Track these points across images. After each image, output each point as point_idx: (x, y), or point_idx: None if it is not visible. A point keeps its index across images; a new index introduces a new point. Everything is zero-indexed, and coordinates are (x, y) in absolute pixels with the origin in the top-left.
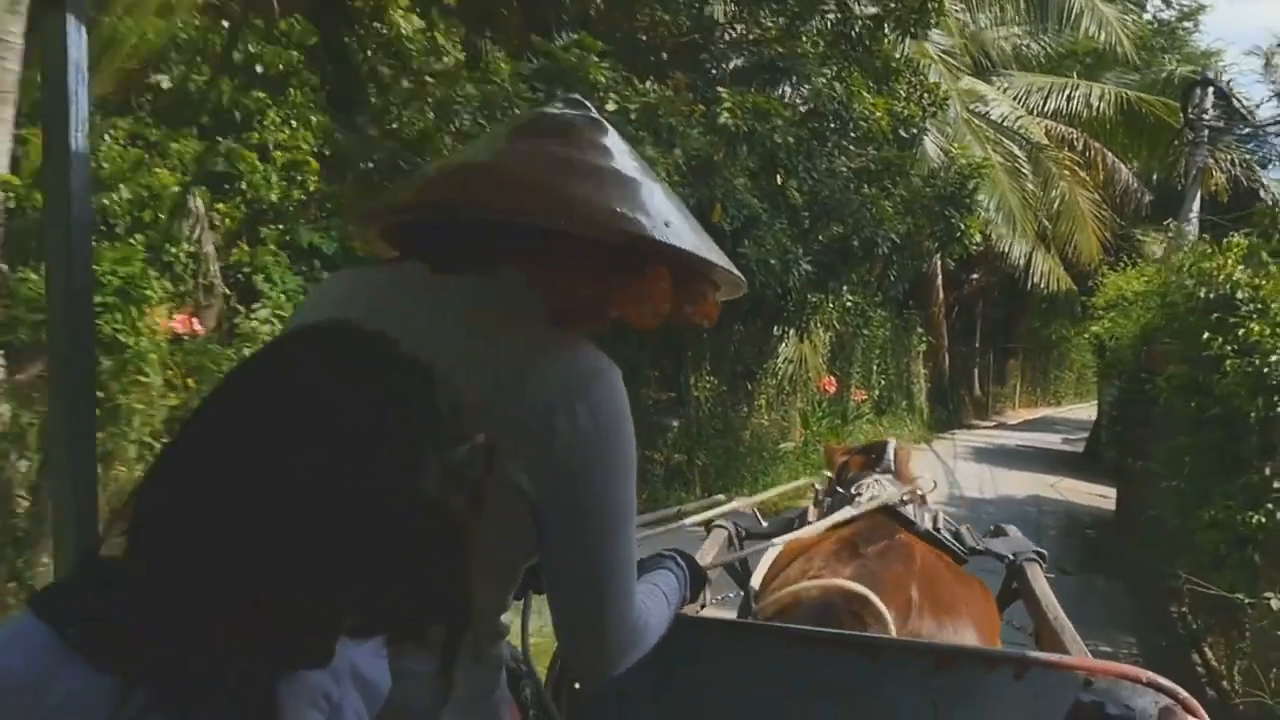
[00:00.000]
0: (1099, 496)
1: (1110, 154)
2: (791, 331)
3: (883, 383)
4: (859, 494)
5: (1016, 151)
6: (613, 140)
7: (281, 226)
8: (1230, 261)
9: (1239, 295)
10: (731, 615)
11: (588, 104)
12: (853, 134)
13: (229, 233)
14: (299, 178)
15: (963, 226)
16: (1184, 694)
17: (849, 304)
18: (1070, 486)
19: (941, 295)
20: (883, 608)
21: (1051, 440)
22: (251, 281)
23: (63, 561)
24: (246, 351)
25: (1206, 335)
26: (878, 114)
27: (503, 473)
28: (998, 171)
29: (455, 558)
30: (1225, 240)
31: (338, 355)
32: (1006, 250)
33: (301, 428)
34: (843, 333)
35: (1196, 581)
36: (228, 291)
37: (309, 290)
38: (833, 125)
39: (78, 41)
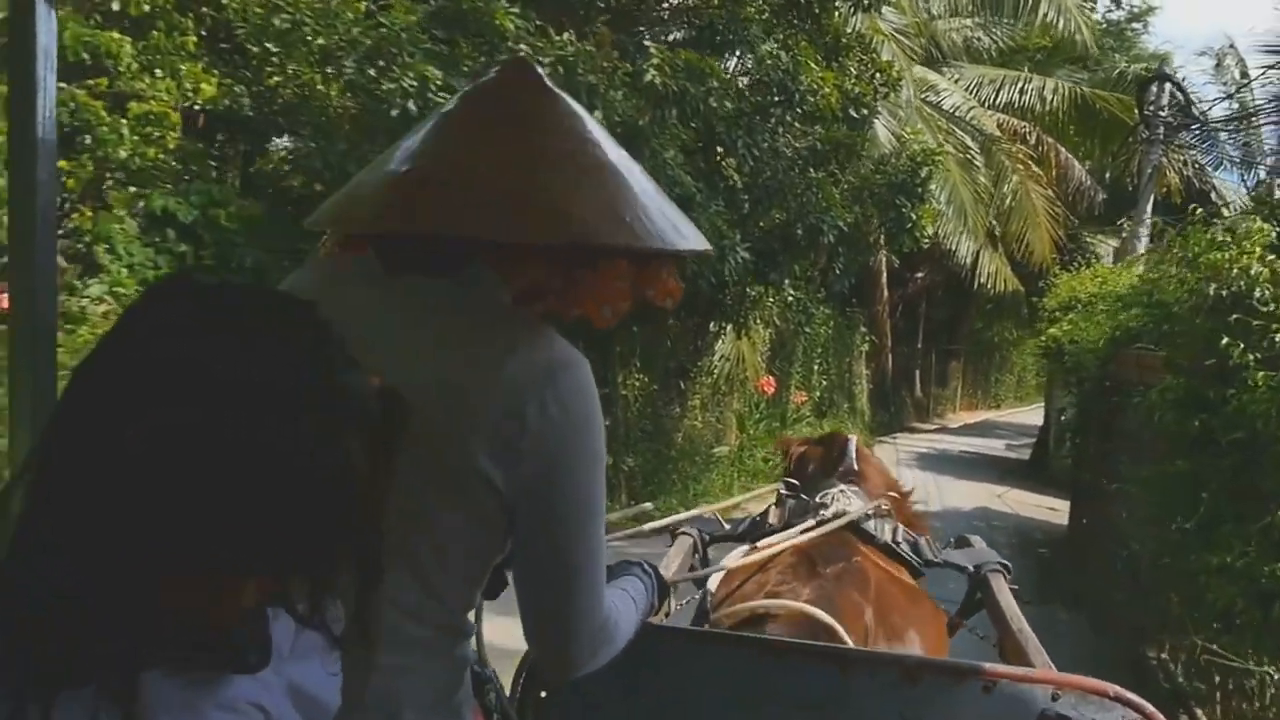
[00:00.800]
0: (1048, 510)
1: (1063, 150)
2: (729, 327)
3: (824, 383)
4: (823, 503)
5: (969, 143)
6: (574, 114)
7: (134, 189)
8: (1249, 252)
9: (1258, 294)
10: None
11: (536, 68)
12: (799, 109)
13: (70, 195)
14: (157, 134)
15: (914, 217)
16: (1150, 708)
17: (790, 299)
18: (1018, 498)
19: (886, 293)
20: (845, 634)
21: (995, 446)
22: (93, 253)
23: None
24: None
25: (1225, 341)
26: (826, 89)
27: (472, 465)
28: (950, 163)
29: (346, 503)
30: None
31: (199, 307)
32: (954, 248)
33: (165, 383)
34: (783, 330)
35: (1213, 650)
36: (64, 264)
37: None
38: (777, 98)
39: (48, 27)
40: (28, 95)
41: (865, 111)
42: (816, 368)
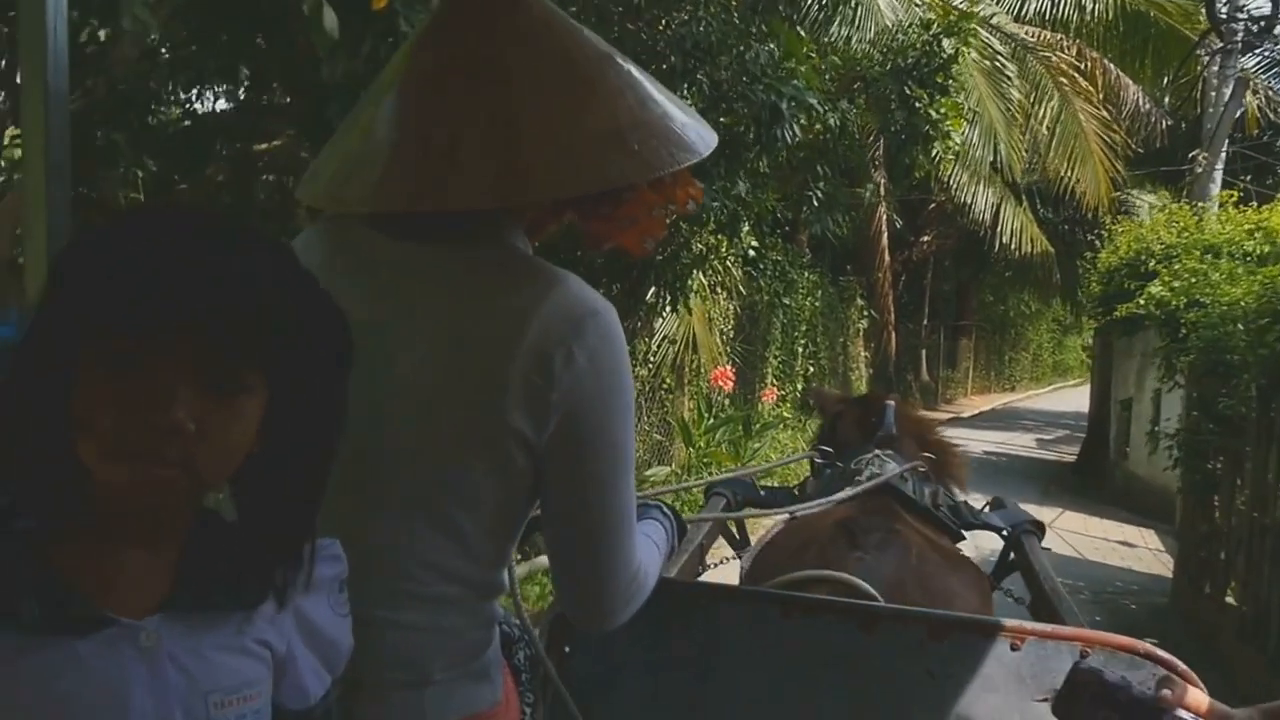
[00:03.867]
0: (1123, 546)
1: (1112, 66)
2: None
3: (810, 369)
4: (858, 470)
5: (997, 46)
6: (549, 18)
7: None
8: None
9: None
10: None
11: None
12: None
13: None
14: None
15: (933, 115)
16: (1182, 666)
17: (752, 252)
18: (1076, 524)
19: (888, 258)
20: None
21: (1023, 442)
22: None
23: None
24: None
25: None
26: None
27: (503, 421)
28: (972, 69)
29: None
30: None
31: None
32: (969, 200)
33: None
34: (755, 302)
35: None
36: None
37: None
38: None
39: None
40: (39, 47)
41: None
42: (801, 350)
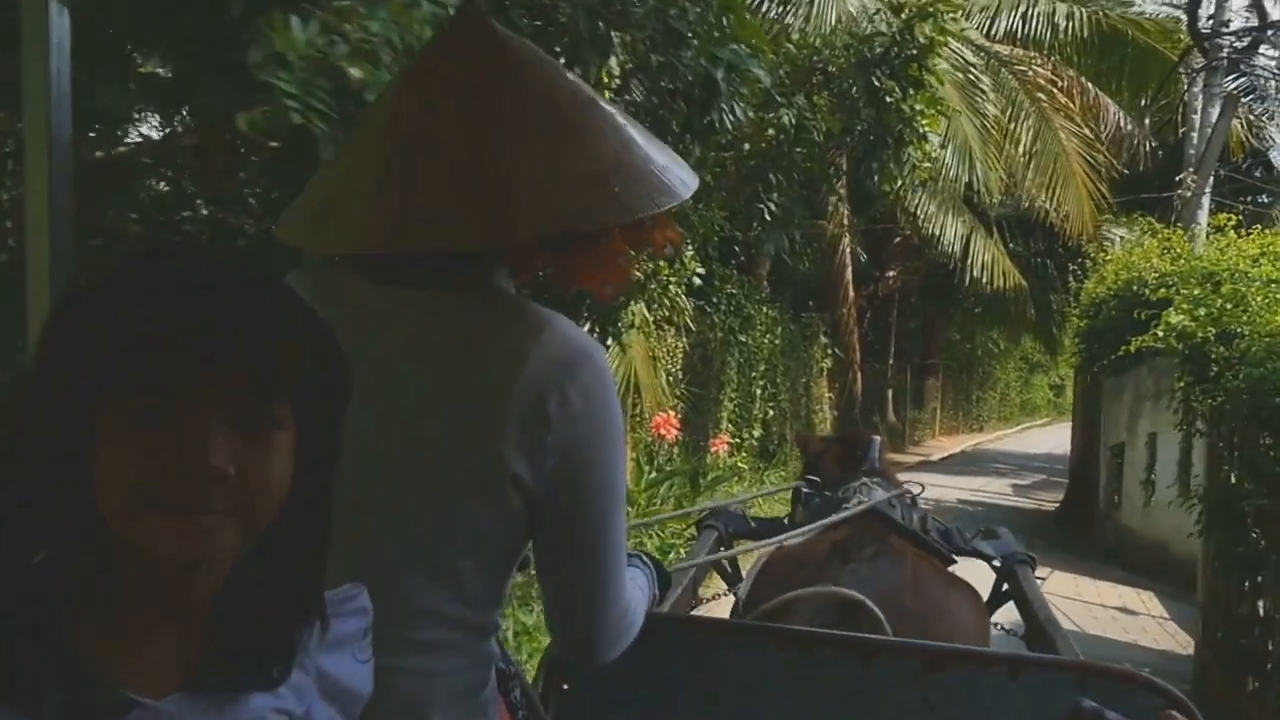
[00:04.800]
0: (1123, 614)
1: (1090, 86)
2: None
3: (770, 413)
4: (845, 498)
5: (969, 56)
6: (536, 64)
7: None
8: None
9: None
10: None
11: (486, 20)
12: None
13: None
14: None
15: (907, 111)
16: (1178, 694)
17: (699, 280)
18: (1067, 587)
19: (852, 294)
20: (881, 615)
21: (998, 488)
22: None
23: None
24: None
25: None
26: None
27: (499, 465)
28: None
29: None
30: None
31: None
32: (938, 233)
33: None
34: (708, 339)
35: None
36: None
37: None
38: None
39: (60, 23)
40: (42, 92)
41: None
42: (759, 392)
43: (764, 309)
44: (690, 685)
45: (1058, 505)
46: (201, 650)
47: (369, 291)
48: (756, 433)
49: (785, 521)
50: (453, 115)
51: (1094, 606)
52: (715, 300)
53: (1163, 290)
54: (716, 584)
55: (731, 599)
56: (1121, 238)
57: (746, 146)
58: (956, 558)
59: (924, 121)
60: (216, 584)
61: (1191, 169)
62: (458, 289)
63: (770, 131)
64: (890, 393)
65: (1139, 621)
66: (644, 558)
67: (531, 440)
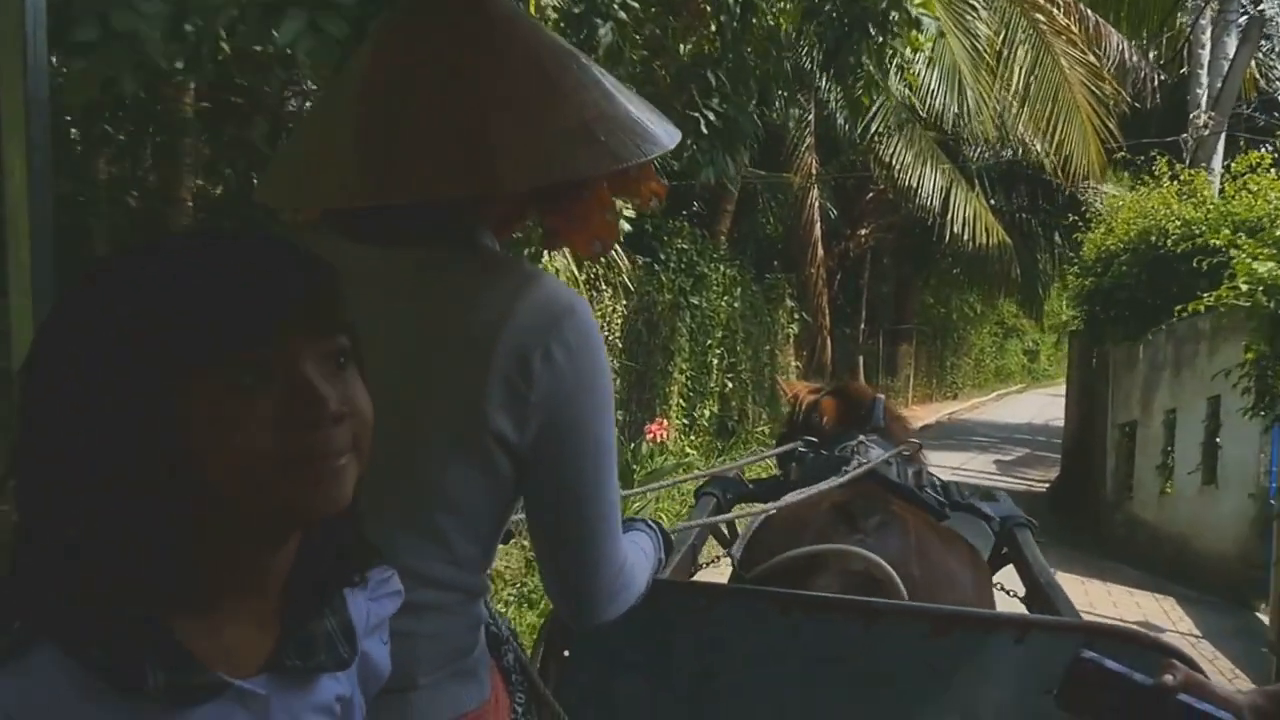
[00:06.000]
0: (1146, 628)
1: (1089, 11)
2: None
3: (729, 385)
4: (844, 457)
5: None
6: (514, 15)
7: None
8: None
9: None
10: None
11: None
12: None
13: None
14: None
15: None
16: (1185, 653)
17: (629, 226)
18: (1077, 595)
19: (820, 252)
20: (901, 586)
21: (980, 465)
22: None
23: None
24: None
25: None
26: None
27: (483, 423)
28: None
29: None
30: None
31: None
32: (915, 185)
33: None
34: (654, 302)
35: None
36: None
37: None
38: None
39: None
40: (16, 56)
41: None
42: (715, 362)
43: (721, 267)
44: (694, 650)
45: (1049, 486)
46: (278, 632)
47: (350, 250)
48: (714, 406)
49: (780, 478)
50: (431, 70)
51: (1111, 620)
52: (664, 257)
53: (1187, 243)
54: (713, 550)
55: (728, 564)
56: (1109, 194)
57: (682, 47)
58: (950, 513)
59: (914, 2)
60: (289, 562)
61: (1203, 107)
62: (439, 246)
63: (711, 26)
64: (862, 359)
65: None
66: (647, 522)
67: (516, 398)
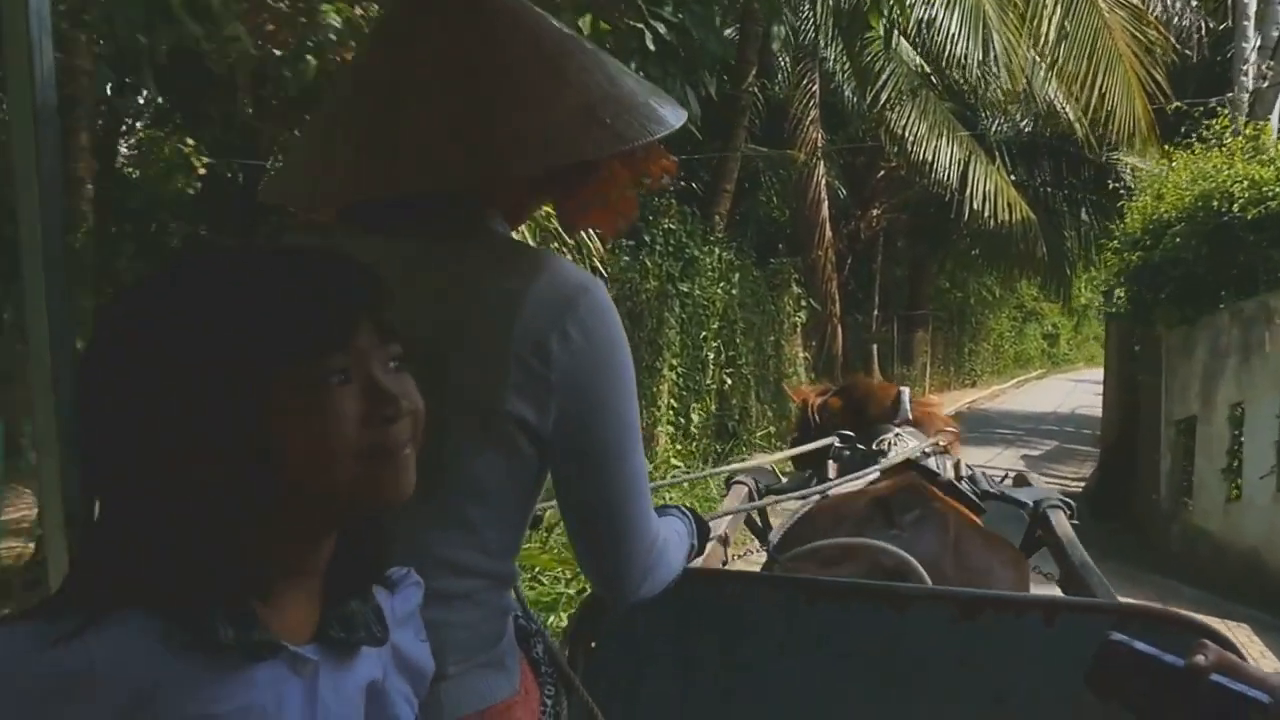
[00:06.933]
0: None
1: None
2: None
3: (729, 382)
4: (881, 450)
5: None
6: (512, 2)
7: None
8: None
9: None
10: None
11: None
12: None
13: None
14: None
15: None
16: (1221, 633)
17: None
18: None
19: (829, 234)
20: (927, 578)
21: (1007, 461)
22: None
23: None
24: None
25: None
26: None
27: (502, 408)
28: None
29: None
30: None
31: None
32: (930, 159)
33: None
34: (637, 290)
35: None
36: None
37: None
38: None
39: None
40: (23, 63)
41: None
42: (711, 357)
43: (716, 250)
44: (723, 639)
45: (1085, 487)
46: (320, 609)
47: (361, 244)
48: (710, 408)
49: (812, 478)
50: (432, 61)
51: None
52: (648, 239)
53: (1257, 208)
54: (745, 542)
55: (761, 556)
56: (1134, 167)
57: None
58: (985, 505)
59: None
60: (333, 545)
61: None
62: (451, 235)
63: None
64: (875, 348)
65: None
66: (681, 509)
67: (535, 381)
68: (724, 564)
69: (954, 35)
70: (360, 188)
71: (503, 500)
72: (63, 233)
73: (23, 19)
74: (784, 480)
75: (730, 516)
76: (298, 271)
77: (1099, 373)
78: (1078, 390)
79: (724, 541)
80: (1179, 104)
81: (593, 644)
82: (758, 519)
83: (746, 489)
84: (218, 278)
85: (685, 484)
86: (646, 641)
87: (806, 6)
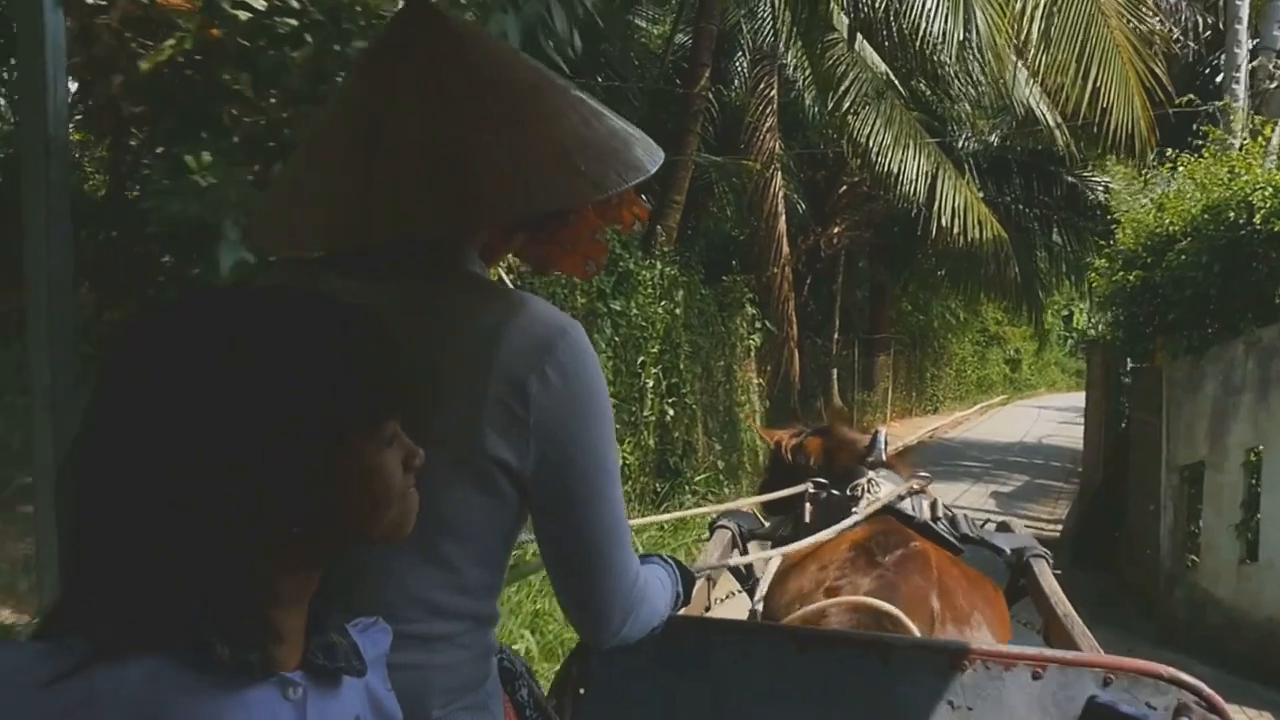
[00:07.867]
0: None
1: None
2: None
3: (670, 414)
4: (855, 495)
5: None
6: (489, 51)
7: None
8: None
9: None
10: (738, 617)
11: (433, 7)
12: None
13: None
14: None
15: None
16: (1207, 690)
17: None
18: None
19: (786, 250)
20: (914, 628)
21: (975, 499)
22: None
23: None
24: None
25: None
26: None
27: (482, 449)
28: None
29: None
30: None
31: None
32: (896, 170)
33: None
34: (565, 307)
35: None
36: None
37: None
38: None
39: (55, 22)
40: (37, 96)
41: None
42: (650, 385)
43: (658, 265)
44: (710, 686)
45: (1063, 531)
46: (307, 635)
47: (341, 287)
48: (649, 442)
49: (794, 521)
50: (409, 105)
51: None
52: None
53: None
54: (726, 584)
55: (743, 598)
56: (1106, 186)
57: None
58: (963, 547)
59: None
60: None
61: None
62: (428, 277)
63: None
64: (835, 373)
65: None
66: (662, 557)
67: (514, 422)
68: (707, 608)
69: (930, 12)
70: (334, 238)
71: (482, 539)
72: (69, 263)
73: (39, 55)
74: (766, 525)
75: (716, 558)
76: (355, 328)
77: (1062, 399)
78: (1042, 418)
79: (709, 585)
80: (1182, 100)
81: (581, 690)
82: (743, 567)
83: (729, 533)
84: (285, 327)
85: (632, 529)
86: (634, 688)
87: (764, 7)
